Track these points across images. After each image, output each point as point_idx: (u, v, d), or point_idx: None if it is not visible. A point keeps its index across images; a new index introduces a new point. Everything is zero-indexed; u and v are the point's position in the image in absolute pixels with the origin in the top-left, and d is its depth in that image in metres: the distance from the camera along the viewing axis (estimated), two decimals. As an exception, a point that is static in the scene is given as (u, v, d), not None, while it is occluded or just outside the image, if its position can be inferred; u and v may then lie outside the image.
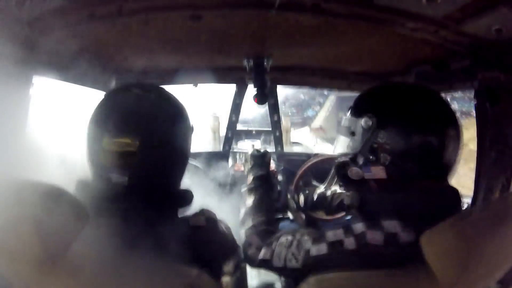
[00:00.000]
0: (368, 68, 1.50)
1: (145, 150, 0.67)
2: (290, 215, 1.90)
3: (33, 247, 0.55)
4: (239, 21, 0.93)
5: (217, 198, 1.93)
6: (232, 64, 1.49)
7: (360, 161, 0.75)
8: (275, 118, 2.22)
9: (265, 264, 0.79)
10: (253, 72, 1.41)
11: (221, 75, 1.69)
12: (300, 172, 1.86)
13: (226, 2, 0.83)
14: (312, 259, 0.70)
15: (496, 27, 0.80)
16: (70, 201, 0.60)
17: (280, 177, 2.02)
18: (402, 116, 0.71)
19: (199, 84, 1.85)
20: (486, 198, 1.04)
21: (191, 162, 1.81)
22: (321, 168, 1.98)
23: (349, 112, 0.82)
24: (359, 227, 0.68)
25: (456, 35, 0.91)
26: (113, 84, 1.59)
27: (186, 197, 0.78)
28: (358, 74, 1.58)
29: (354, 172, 0.74)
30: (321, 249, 0.70)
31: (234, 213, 1.88)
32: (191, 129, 0.79)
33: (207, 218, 0.77)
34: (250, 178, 1.07)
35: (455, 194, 0.71)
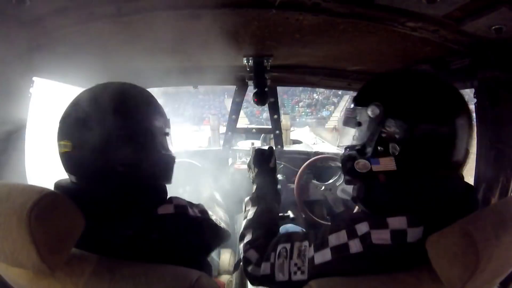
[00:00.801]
0: (368, 67, 1.50)
1: (77, 151, 0.70)
2: (290, 213, 1.91)
3: (30, 255, 0.54)
4: (239, 21, 0.93)
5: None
6: (232, 64, 1.49)
7: (368, 152, 0.70)
8: (275, 117, 2.22)
9: (267, 280, 0.73)
10: (253, 72, 1.41)
11: (221, 75, 1.68)
12: (300, 170, 1.87)
13: (226, 2, 0.83)
14: (318, 268, 0.66)
15: (496, 26, 0.80)
16: (65, 206, 0.59)
17: (280, 176, 2.02)
18: (411, 103, 0.66)
19: (198, 86, 1.85)
20: (486, 198, 1.04)
21: (191, 160, 1.82)
22: (320, 166, 2.00)
23: (354, 102, 0.77)
24: (363, 227, 0.64)
25: (456, 35, 0.91)
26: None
27: (157, 190, 0.77)
28: (358, 73, 1.58)
29: (361, 164, 0.70)
30: (325, 256, 0.66)
31: (234, 210, 1.89)
32: (140, 124, 0.75)
33: (175, 205, 0.76)
34: (254, 187, 1.01)
35: (466, 187, 0.69)
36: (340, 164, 0.84)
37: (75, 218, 0.60)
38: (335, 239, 0.66)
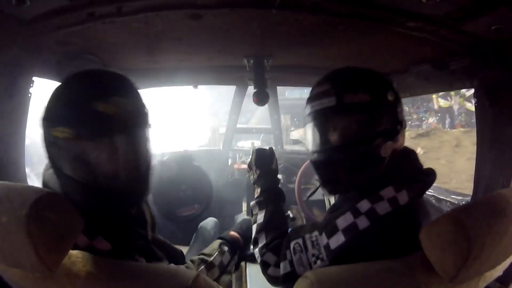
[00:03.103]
0: (368, 67, 1.50)
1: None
2: (290, 213, 1.90)
3: (29, 256, 0.54)
4: (239, 21, 0.93)
5: (218, 195, 1.94)
6: (232, 64, 1.49)
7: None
8: (275, 116, 2.23)
9: (290, 277, 0.77)
10: (253, 72, 1.41)
11: (221, 75, 1.68)
12: (300, 171, 1.87)
13: (226, 2, 0.83)
14: (336, 252, 0.72)
15: (496, 26, 0.80)
16: (64, 207, 0.59)
17: (279, 176, 2.02)
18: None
19: (198, 86, 1.85)
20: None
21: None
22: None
23: None
24: (364, 205, 0.72)
25: (456, 34, 0.91)
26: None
27: None
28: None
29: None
30: (339, 239, 0.72)
31: (234, 210, 1.89)
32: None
33: None
34: (258, 190, 1.00)
35: (412, 152, 0.82)
36: None
37: (74, 218, 0.60)
38: (343, 221, 0.73)
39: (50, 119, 0.65)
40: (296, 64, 1.52)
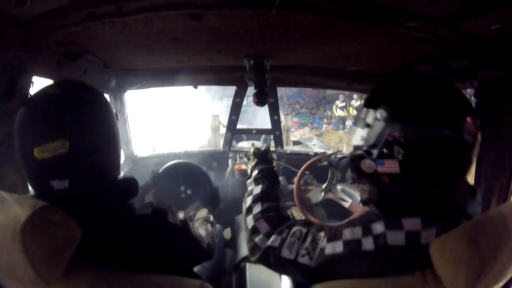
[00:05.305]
0: (368, 67, 1.50)
1: (76, 148, 0.66)
2: (290, 214, 1.90)
3: (26, 270, 0.53)
4: (239, 21, 0.93)
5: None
6: (232, 64, 1.49)
7: (374, 153, 0.71)
8: (275, 117, 2.22)
9: (270, 253, 0.74)
10: (253, 72, 1.41)
11: (221, 75, 1.68)
12: (300, 171, 1.87)
13: (226, 2, 0.83)
14: (327, 258, 0.67)
15: (496, 26, 0.80)
16: (60, 219, 0.58)
17: (280, 176, 2.02)
18: (417, 107, 0.67)
19: (198, 86, 1.86)
20: (486, 198, 1.04)
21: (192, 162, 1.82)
22: (321, 166, 1.99)
23: (365, 103, 0.78)
24: (379, 226, 0.65)
25: (456, 35, 0.91)
26: (113, 84, 1.59)
27: (130, 185, 0.77)
28: (358, 73, 1.58)
29: (367, 164, 0.72)
30: (336, 247, 0.66)
31: (234, 211, 1.89)
32: (113, 114, 0.77)
33: (154, 208, 0.75)
34: (255, 171, 1.03)
35: (471, 190, 0.70)
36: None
37: (71, 230, 0.58)
38: (349, 233, 0.67)
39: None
40: (296, 64, 1.52)
